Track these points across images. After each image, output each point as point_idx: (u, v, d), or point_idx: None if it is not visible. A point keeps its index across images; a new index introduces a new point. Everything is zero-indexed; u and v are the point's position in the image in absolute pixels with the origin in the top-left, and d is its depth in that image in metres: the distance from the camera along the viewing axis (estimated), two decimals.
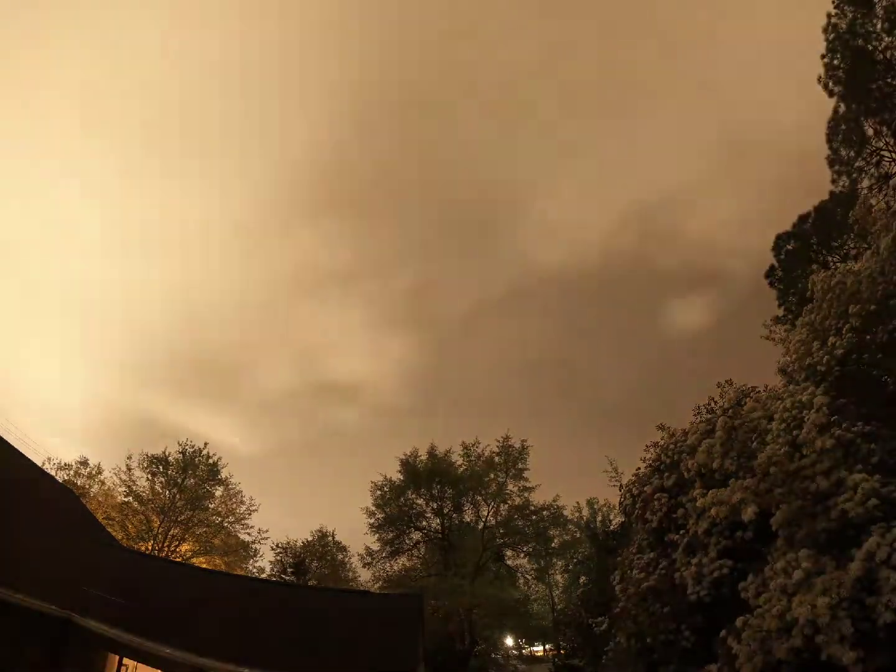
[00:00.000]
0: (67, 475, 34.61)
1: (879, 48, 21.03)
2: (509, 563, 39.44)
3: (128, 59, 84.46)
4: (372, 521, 36.79)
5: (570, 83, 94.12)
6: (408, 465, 37.30)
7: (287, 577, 35.17)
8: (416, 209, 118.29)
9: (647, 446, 15.05)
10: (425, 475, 37.02)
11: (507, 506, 37.70)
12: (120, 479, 34.03)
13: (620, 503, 15.05)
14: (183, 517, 33.45)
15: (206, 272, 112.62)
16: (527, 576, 41.15)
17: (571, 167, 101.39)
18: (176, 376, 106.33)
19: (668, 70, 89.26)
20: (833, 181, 23.50)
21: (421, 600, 18.59)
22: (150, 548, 31.84)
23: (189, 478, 34.25)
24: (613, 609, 14.27)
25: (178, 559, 31.71)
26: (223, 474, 35.53)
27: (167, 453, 34.37)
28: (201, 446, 35.27)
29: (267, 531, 37.01)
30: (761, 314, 24.49)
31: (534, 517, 37.56)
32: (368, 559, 37.04)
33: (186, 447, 34.88)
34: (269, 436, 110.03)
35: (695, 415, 15.61)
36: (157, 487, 33.75)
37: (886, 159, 22.00)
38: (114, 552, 18.79)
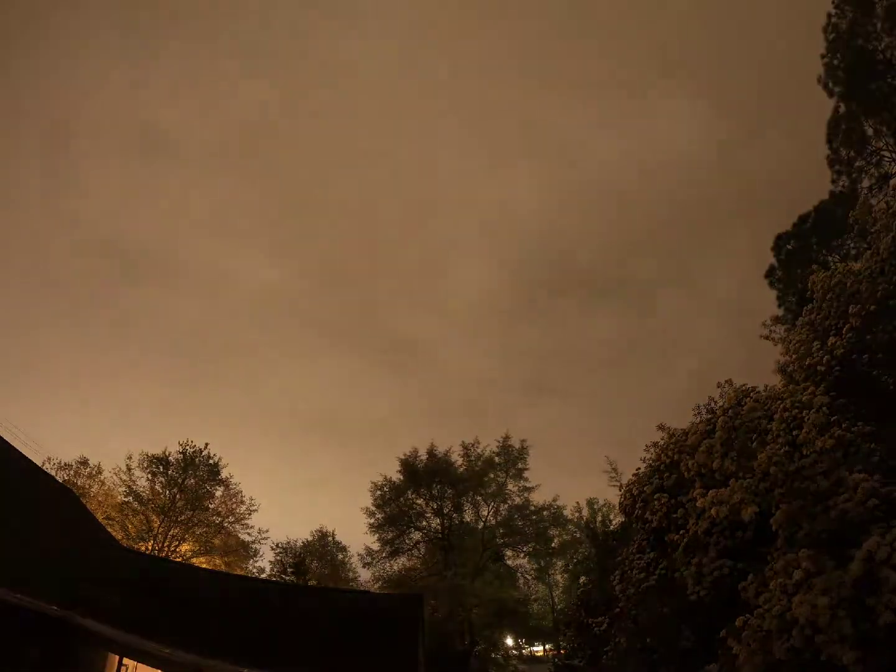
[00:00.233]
0: (67, 475, 34.62)
1: (879, 48, 21.03)
2: (509, 563, 39.46)
3: None
4: (372, 521, 36.82)
5: None
6: (408, 465, 37.31)
7: (287, 577, 35.16)
8: None
9: (647, 446, 15.05)
10: (425, 475, 37.02)
11: (507, 506, 37.73)
12: (120, 479, 34.08)
13: (620, 503, 15.03)
14: (183, 517, 33.44)
15: None
16: (527, 576, 41.18)
17: None
18: None
19: None
20: (833, 181, 23.52)
21: (421, 600, 18.58)
22: (150, 548, 31.83)
23: (189, 478, 34.24)
24: (613, 609, 14.28)
25: (178, 559, 31.70)
26: (223, 474, 35.56)
27: (167, 453, 34.40)
28: (202, 446, 35.30)
29: (267, 531, 37.08)
30: None
31: (534, 517, 37.57)
32: (368, 559, 37.09)
33: (187, 447, 34.90)
34: None
35: (695, 415, 15.61)
36: (158, 487, 33.77)
37: (886, 159, 22.00)
38: (114, 552, 18.78)
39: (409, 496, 37.49)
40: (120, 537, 29.38)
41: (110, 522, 31.18)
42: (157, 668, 12.08)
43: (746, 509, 8.80)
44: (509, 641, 44.92)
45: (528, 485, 37.55)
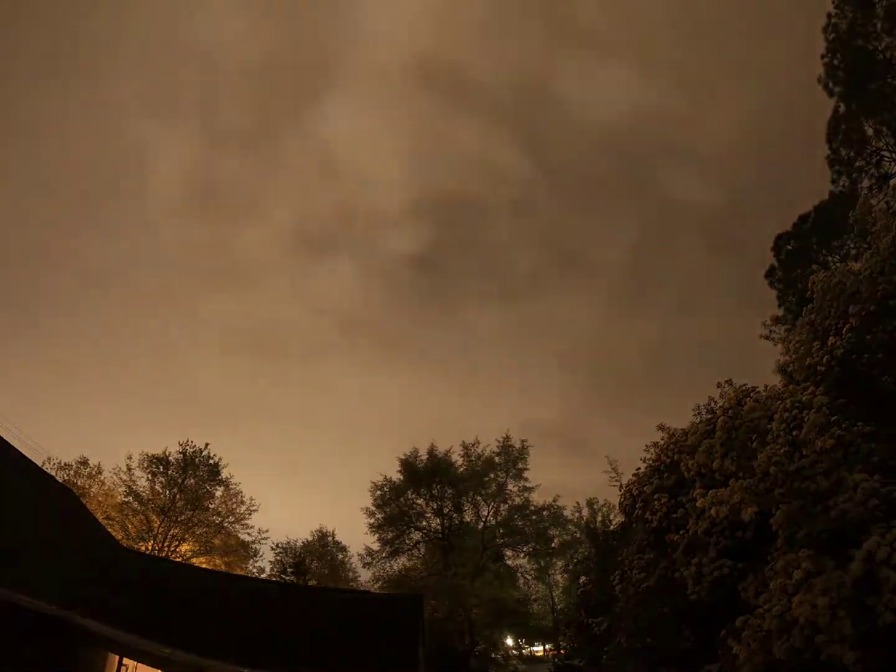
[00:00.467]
0: (67, 475, 34.58)
1: (879, 48, 21.02)
2: (509, 563, 39.46)
3: None
4: (372, 521, 36.82)
5: None
6: (408, 465, 37.29)
7: (287, 577, 35.17)
8: None
9: (647, 446, 15.06)
10: (425, 475, 37.01)
11: (507, 506, 37.73)
12: (120, 479, 34.06)
13: (620, 503, 15.04)
14: (183, 517, 33.43)
15: None
16: (527, 576, 41.19)
17: None
18: None
19: None
20: (833, 181, 23.51)
21: (421, 600, 18.58)
22: (150, 548, 31.82)
23: (189, 478, 34.23)
24: (613, 609, 14.28)
25: (178, 559, 31.68)
26: (224, 474, 35.55)
27: (167, 453, 34.39)
28: (202, 446, 35.28)
29: (267, 531, 37.08)
30: None
31: (534, 517, 37.56)
32: (368, 559, 37.08)
33: (187, 447, 34.88)
34: None
35: (695, 415, 15.62)
36: (158, 487, 33.75)
37: (886, 159, 22.00)
38: (114, 552, 18.78)
39: (409, 496, 37.48)
40: (120, 537, 29.36)
41: (110, 522, 31.16)
42: (157, 668, 12.08)
43: (746, 509, 8.80)
44: (509, 641, 44.92)
45: (528, 485, 37.58)
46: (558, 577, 47.12)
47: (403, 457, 37.62)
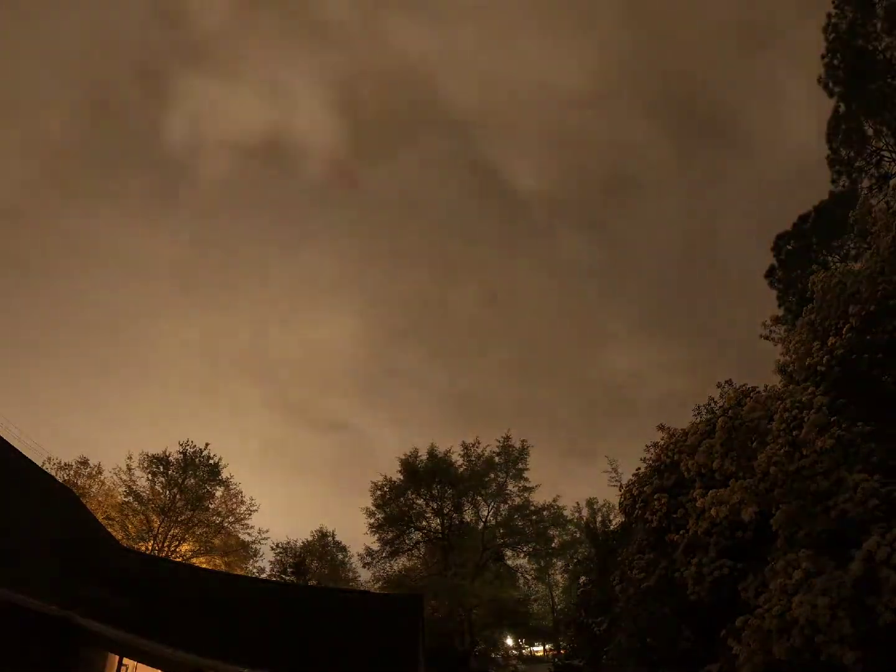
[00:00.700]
0: (67, 475, 34.56)
1: (879, 48, 21.01)
2: (509, 563, 39.50)
3: None
4: (372, 521, 36.83)
5: None
6: (408, 465, 37.30)
7: (287, 577, 35.21)
8: None
9: (647, 446, 15.07)
10: (425, 475, 37.02)
11: (507, 506, 37.76)
12: (120, 479, 34.07)
13: (620, 503, 15.03)
14: (183, 517, 33.44)
15: None
16: (527, 576, 41.22)
17: None
18: None
19: None
20: (833, 181, 23.50)
21: (421, 600, 18.58)
22: (150, 548, 31.83)
23: (189, 478, 34.23)
24: (613, 609, 14.27)
25: (178, 559, 31.69)
26: (224, 474, 35.56)
27: (167, 453, 34.40)
28: (202, 446, 35.28)
29: (267, 531, 37.11)
30: None
31: (534, 517, 37.58)
32: (368, 559, 37.11)
33: (187, 447, 34.88)
34: None
35: (695, 415, 15.62)
36: (158, 487, 33.76)
37: (886, 159, 21.99)
38: (114, 552, 18.78)
39: (410, 496, 37.50)
40: (120, 537, 29.36)
41: (110, 522, 31.16)
42: (157, 668, 12.08)
43: (746, 509, 8.80)
44: (509, 641, 44.98)
45: (528, 485, 37.60)
46: (558, 577, 47.17)
47: (403, 457, 37.69)
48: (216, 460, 35.27)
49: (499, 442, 37.73)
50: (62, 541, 15.54)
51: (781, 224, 25.59)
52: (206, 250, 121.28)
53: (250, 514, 35.98)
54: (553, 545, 41.01)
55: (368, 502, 37.21)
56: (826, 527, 8.19)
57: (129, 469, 33.80)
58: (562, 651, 39.99)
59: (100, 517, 27.60)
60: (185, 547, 33.75)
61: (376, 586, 36.56)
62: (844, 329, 10.53)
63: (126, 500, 33.58)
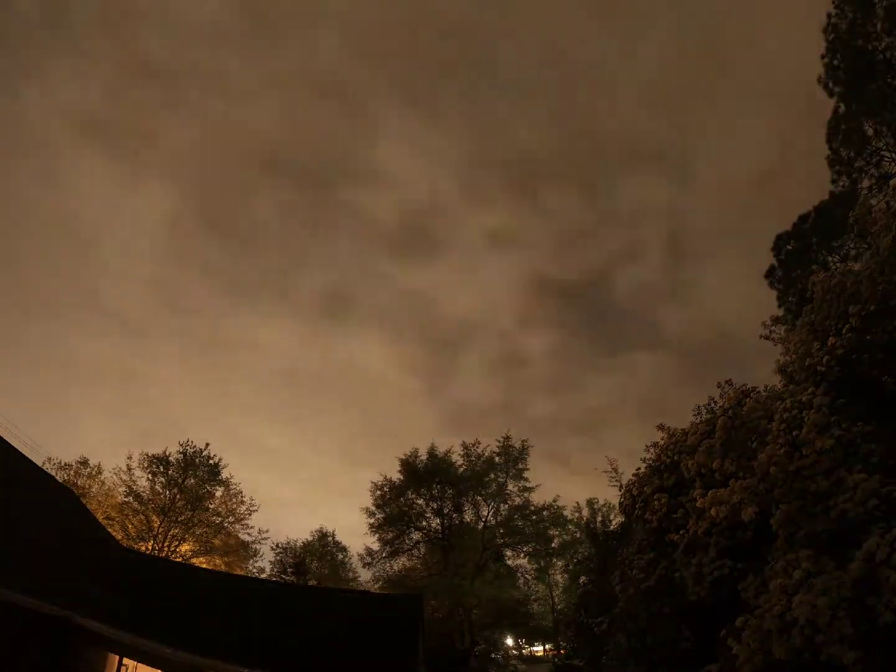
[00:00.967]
0: (67, 475, 34.58)
1: (879, 48, 21.01)
2: (509, 563, 39.46)
3: None
4: (372, 521, 36.81)
5: None
6: (408, 465, 37.28)
7: (287, 577, 35.20)
8: None
9: (647, 446, 15.07)
10: (425, 475, 37.00)
11: (507, 506, 37.73)
12: (120, 479, 34.07)
13: (620, 503, 15.04)
14: (183, 517, 33.43)
15: None
16: (527, 576, 41.18)
17: None
18: None
19: None
20: (833, 181, 23.48)
21: (421, 600, 18.58)
22: (150, 548, 31.83)
23: (189, 478, 34.23)
24: (613, 609, 14.27)
25: (178, 559, 31.70)
26: (224, 474, 35.57)
27: (168, 453, 34.41)
28: (202, 446, 35.28)
29: (267, 531, 37.10)
30: None
31: (534, 517, 37.56)
32: (368, 559, 37.09)
33: (187, 447, 34.89)
34: None
35: (695, 415, 15.61)
36: (158, 487, 33.76)
37: (886, 159, 21.98)
38: (114, 552, 18.79)
39: (410, 496, 37.47)
40: (120, 537, 29.37)
41: (110, 522, 31.17)
42: (157, 668, 12.08)
43: (746, 509, 8.81)
44: (509, 641, 44.97)
45: (528, 485, 37.58)
46: (558, 577, 47.16)
47: (403, 457, 37.67)
48: (216, 460, 35.32)
49: (499, 442, 37.76)
50: (62, 541, 15.54)
51: None
52: None
53: (250, 514, 36.05)
54: (553, 545, 41.01)
55: (368, 501, 37.26)
56: (826, 527, 8.19)
57: (129, 469, 33.86)
58: (562, 651, 39.99)
59: (100, 517, 27.61)
60: (185, 547, 33.75)
61: (376, 586, 36.56)
62: (844, 329, 10.52)
63: (126, 500, 33.59)
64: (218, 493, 35.69)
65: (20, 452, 17.98)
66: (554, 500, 37.72)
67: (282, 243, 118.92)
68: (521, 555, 39.48)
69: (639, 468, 14.67)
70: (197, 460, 34.73)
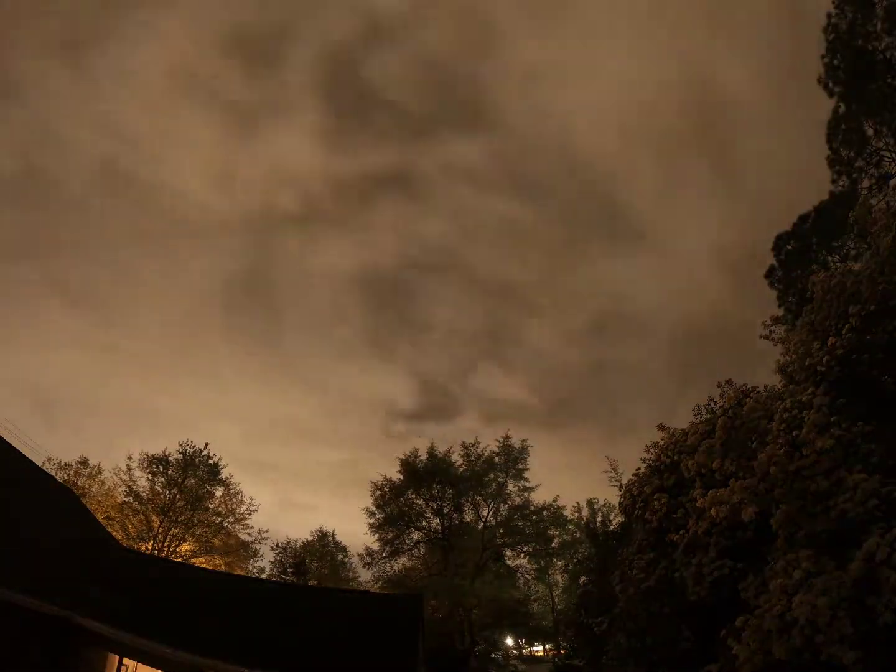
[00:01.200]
0: (67, 475, 34.58)
1: (879, 48, 21.01)
2: (509, 563, 39.47)
3: None
4: (372, 521, 36.82)
5: None
6: (408, 465, 37.29)
7: (287, 577, 35.20)
8: None
9: (647, 446, 15.06)
10: (425, 475, 37.01)
11: (507, 506, 37.74)
12: (120, 479, 34.08)
13: (620, 503, 15.05)
14: (183, 517, 33.43)
15: None
16: (527, 576, 41.18)
17: None
18: None
19: None
20: (833, 181, 23.47)
21: (421, 600, 18.58)
22: (150, 548, 31.83)
23: (189, 478, 34.23)
24: (613, 609, 14.28)
25: (178, 559, 31.70)
26: (223, 474, 35.56)
27: (167, 453, 34.40)
28: (202, 446, 35.28)
29: (267, 531, 37.10)
30: None
31: (534, 517, 37.57)
32: (368, 559, 37.09)
33: (187, 447, 34.89)
34: None
35: (695, 415, 15.61)
36: (158, 487, 33.75)
37: (886, 159, 21.98)
38: (114, 552, 18.79)
39: (409, 496, 37.47)
40: (120, 537, 29.37)
41: (110, 522, 31.17)
42: (157, 668, 12.08)
43: (746, 509, 8.81)
44: (509, 641, 44.96)
45: (528, 485, 37.59)
46: (558, 577, 47.13)
47: (403, 457, 37.68)
48: (216, 460, 35.32)
49: (499, 442, 37.78)
50: (62, 541, 15.55)
51: None
52: None
53: (250, 514, 36.05)
54: (553, 545, 41.00)
55: (368, 502, 37.27)
56: (826, 527, 8.19)
57: (129, 469, 33.86)
58: (562, 651, 39.99)
59: (100, 517, 27.61)
60: (185, 547, 33.75)
61: (376, 586, 36.55)
62: (844, 329, 10.52)
63: (126, 500, 33.59)
64: (218, 493, 35.72)
65: (20, 452, 17.98)
66: (554, 500, 37.78)
67: None
68: (521, 555, 39.54)
69: (639, 468, 14.68)
70: (196, 460, 34.73)
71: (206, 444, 35.40)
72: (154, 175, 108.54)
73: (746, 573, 9.45)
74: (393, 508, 36.97)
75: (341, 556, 44.40)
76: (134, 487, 33.51)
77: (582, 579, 27.93)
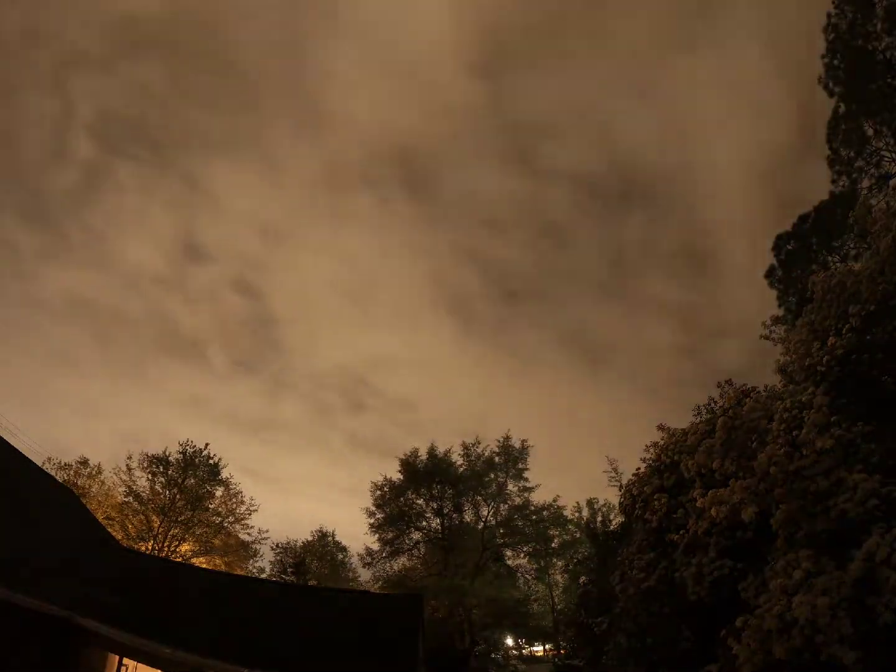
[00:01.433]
0: (67, 475, 34.58)
1: (879, 48, 21.01)
2: (509, 563, 39.44)
3: None
4: (372, 521, 36.80)
5: None
6: (408, 465, 37.27)
7: (287, 577, 35.17)
8: None
9: (647, 446, 15.07)
10: (425, 475, 37.00)
11: (507, 506, 37.73)
12: (120, 479, 34.08)
13: (620, 503, 15.05)
14: (183, 517, 33.43)
15: None
16: (527, 576, 41.16)
17: None
18: None
19: None
20: (833, 181, 23.49)
21: (421, 600, 18.58)
22: (150, 548, 31.82)
23: (189, 478, 34.23)
24: (613, 609, 14.27)
25: (178, 559, 31.69)
26: (224, 474, 35.56)
27: (167, 453, 34.40)
28: (202, 447, 35.27)
29: (267, 531, 37.09)
30: None
31: (534, 517, 37.56)
32: (368, 559, 37.06)
33: (187, 447, 34.88)
34: None
35: (695, 415, 15.63)
36: (158, 487, 33.75)
37: (886, 159, 21.99)
38: (114, 552, 18.78)
39: (410, 496, 37.45)
40: (120, 537, 29.36)
41: (110, 522, 31.17)
42: (157, 668, 12.08)
43: (746, 509, 8.81)
44: (509, 641, 44.91)
45: (528, 485, 37.58)
46: (558, 577, 47.08)
47: (403, 457, 37.66)
48: (216, 460, 35.31)
49: (499, 442, 37.77)
50: (62, 541, 15.54)
51: None
52: None
53: (250, 514, 36.04)
54: (553, 545, 40.99)
55: (368, 502, 37.26)
56: (826, 527, 8.19)
57: (129, 469, 33.86)
58: (562, 651, 39.96)
59: (100, 517, 27.61)
60: (185, 547, 33.75)
61: (376, 586, 36.54)
62: (844, 329, 10.53)
63: (126, 500, 33.59)
64: (218, 493, 35.71)
65: (20, 452, 17.97)
66: (554, 500, 37.78)
67: None
68: (521, 555, 39.52)
69: (639, 468, 14.68)
70: (197, 460, 34.72)
71: (207, 445, 35.46)
72: None
73: (746, 573, 9.45)
74: (393, 508, 36.96)
75: (341, 556, 44.42)
76: (134, 487, 33.52)
77: (582, 579, 27.93)
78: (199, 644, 11.83)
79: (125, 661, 12.41)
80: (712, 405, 15.57)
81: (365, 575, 39.07)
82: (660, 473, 13.31)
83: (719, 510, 9.20)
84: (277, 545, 39.03)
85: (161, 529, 32.68)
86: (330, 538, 44.22)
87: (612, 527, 33.46)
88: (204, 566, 32.39)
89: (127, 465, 33.92)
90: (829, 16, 22.34)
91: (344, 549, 44.41)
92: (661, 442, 14.07)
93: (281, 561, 38.30)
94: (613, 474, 23.75)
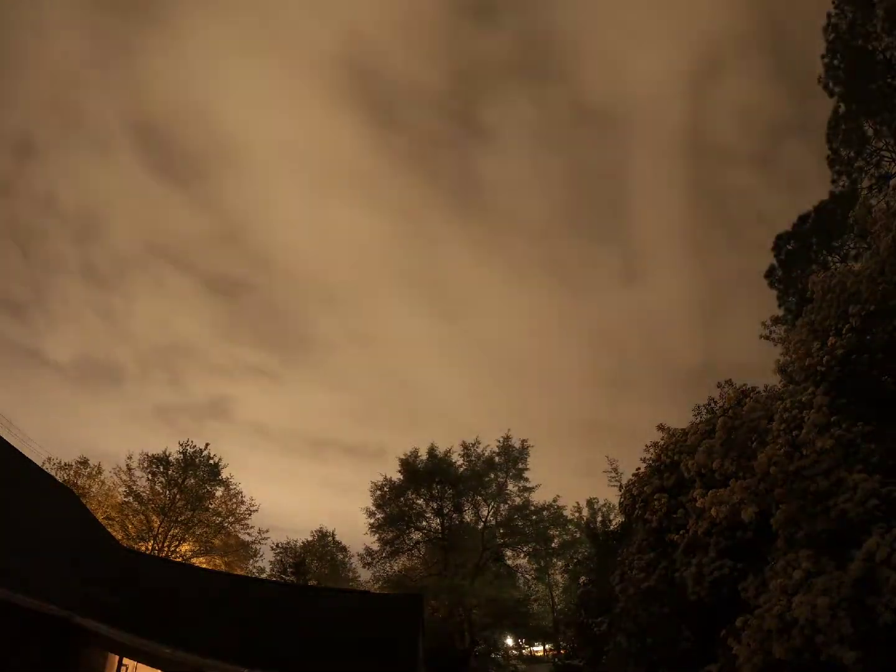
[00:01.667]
0: (67, 475, 34.58)
1: (879, 48, 21.01)
2: (509, 563, 39.42)
3: None
4: (372, 521, 36.79)
5: None
6: (408, 465, 37.27)
7: (287, 577, 35.18)
8: None
9: (646, 446, 15.07)
10: (425, 475, 36.99)
11: (507, 506, 37.72)
12: (120, 479, 34.09)
13: (620, 503, 15.05)
14: (183, 517, 33.42)
15: None
16: (527, 576, 41.16)
17: None
18: None
19: None
20: (833, 181, 23.48)
21: (421, 600, 18.58)
22: (150, 548, 31.82)
23: (189, 478, 34.23)
24: (613, 609, 14.28)
25: (178, 559, 31.69)
26: (224, 474, 35.56)
27: (167, 453, 34.40)
28: (202, 447, 35.28)
29: (267, 531, 37.09)
30: None
31: (534, 517, 37.56)
32: (368, 559, 37.05)
33: (187, 447, 34.88)
34: None
35: (695, 415, 15.64)
36: (158, 487, 33.75)
37: (886, 159, 21.99)
38: (114, 552, 18.78)
39: (409, 496, 37.43)
40: (120, 537, 29.36)
41: (110, 522, 31.16)
42: (157, 668, 12.07)
43: (746, 509, 8.81)
44: (509, 641, 44.91)
45: (528, 485, 37.58)
46: (558, 577, 47.06)
47: (403, 457, 37.65)
48: (216, 460, 35.31)
49: (499, 442, 37.75)
50: (62, 541, 15.54)
51: None
52: None
53: (250, 514, 36.05)
54: (553, 545, 40.97)
55: (368, 502, 37.25)
56: (826, 527, 8.19)
57: (129, 469, 33.86)
58: (562, 651, 39.93)
59: (100, 517, 27.61)
60: (185, 547, 33.74)
61: (376, 586, 36.53)
62: (844, 329, 10.53)
63: (126, 500, 33.59)
64: (218, 493, 35.71)
65: (20, 452, 17.98)
66: (554, 500, 37.77)
67: None
68: (521, 555, 39.51)
69: (639, 468, 14.68)
70: (197, 460, 34.72)
71: (207, 445, 35.46)
72: None
73: (746, 573, 9.45)
74: (393, 508, 36.95)
75: (341, 556, 44.41)
76: (134, 487, 33.53)
77: (582, 579, 27.93)
78: (199, 644, 11.82)
79: (125, 661, 12.41)
80: (712, 405, 15.57)
81: (365, 575, 39.12)
82: (660, 473, 13.31)
83: (719, 510, 9.20)
84: (277, 545, 39.06)
85: (161, 529, 32.68)
86: (330, 538, 44.22)
87: (612, 527, 33.44)
88: (204, 566, 32.39)
89: (127, 464, 33.97)
90: (829, 16, 22.35)
91: (344, 549, 44.42)
92: (661, 442, 14.07)
93: (281, 561, 38.31)
94: (613, 474, 23.75)
